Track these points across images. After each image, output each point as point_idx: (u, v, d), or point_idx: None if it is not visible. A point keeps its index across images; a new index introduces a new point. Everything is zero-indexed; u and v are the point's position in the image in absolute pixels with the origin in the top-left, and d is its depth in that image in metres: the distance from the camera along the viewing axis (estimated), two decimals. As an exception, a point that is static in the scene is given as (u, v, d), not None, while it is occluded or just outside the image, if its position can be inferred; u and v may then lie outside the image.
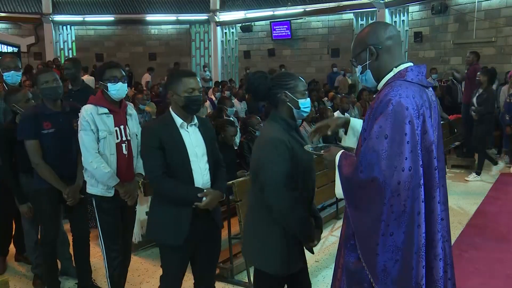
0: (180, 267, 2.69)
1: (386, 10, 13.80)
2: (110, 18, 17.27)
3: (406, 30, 13.50)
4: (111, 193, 3.02)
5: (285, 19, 16.03)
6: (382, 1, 13.73)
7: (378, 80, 1.96)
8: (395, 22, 13.82)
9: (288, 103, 2.30)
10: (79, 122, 2.98)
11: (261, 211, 2.29)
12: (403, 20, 13.64)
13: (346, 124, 2.28)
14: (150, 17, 17.44)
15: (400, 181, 1.68)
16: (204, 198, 2.53)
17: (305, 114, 2.35)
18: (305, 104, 2.31)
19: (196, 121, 2.68)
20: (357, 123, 2.28)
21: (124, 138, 3.06)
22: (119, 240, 3.13)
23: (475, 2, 11.47)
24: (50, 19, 16.59)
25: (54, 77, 3.22)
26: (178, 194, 2.55)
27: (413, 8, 13.38)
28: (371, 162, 1.71)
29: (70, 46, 17.42)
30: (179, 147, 2.56)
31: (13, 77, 3.89)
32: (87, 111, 2.96)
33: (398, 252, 1.73)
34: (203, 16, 17.56)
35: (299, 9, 15.66)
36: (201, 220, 2.62)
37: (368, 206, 1.75)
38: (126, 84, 3.05)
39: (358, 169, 1.75)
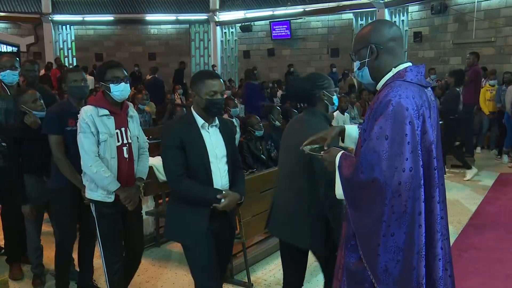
0: (208, 260, 2.62)
1: (386, 10, 13.81)
2: (109, 17, 17.27)
3: (406, 30, 13.50)
4: (111, 199, 2.93)
5: (284, 19, 16.04)
6: (382, 1, 13.73)
7: (374, 79, 1.96)
8: (395, 22, 13.83)
9: (326, 101, 2.59)
10: (78, 124, 2.90)
11: (299, 195, 2.50)
12: (402, 20, 13.64)
13: (341, 133, 2.28)
14: (149, 17, 17.44)
15: (401, 182, 1.68)
16: (222, 200, 2.53)
17: (335, 108, 2.69)
18: (336, 100, 2.64)
19: (217, 122, 2.67)
20: (352, 130, 2.28)
21: (125, 141, 2.98)
22: (120, 245, 3.07)
23: (474, 2, 11.48)
24: (50, 18, 16.58)
25: (82, 77, 3.24)
26: (197, 195, 2.55)
27: (413, 8, 13.39)
28: (372, 162, 1.71)
29: (69, 46, 17.41)
30: (200, 147, 2.55)
31: (8, 76, 3.84)
32: (87, 112, 2.88)
33: (399, 252, 1.73)
34: (202, 16, 17.56)
35: (298, 9, 15.66)
36: (218, 221, 2.62)
37: (368, 206, 1.75)
38: (129, 84, 3.00)
39: (358, 170, 1.76)
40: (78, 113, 3.06)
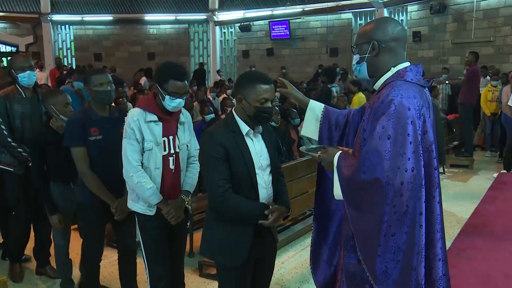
0: (244, 284, 2.39)
1: (385, 9, 13.82)
2: (108, 17, 17.26)
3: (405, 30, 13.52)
4: (152, 212, 2.69)
5: (283, 19, 16.04)
6: (381, 1, 13.74)
7: (371, 75, 1.96)
8: (398, 20, 13.82)
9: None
10: (124, 128, 2.65)
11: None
12: (401, 20, 13.65)
13: (303, 104, 2.39)
14: (148, 17, 17.43)
15: (403, 182, 1.68)
16: (270, 216, 2.28)
17: None
18: None
19: (260, 128, 2.38)
20: (316, 106, 2.34)
21: (172, 151, 2.71)
22: (165, 260, 2.80)
23: (473, 2, 11.49)
24: (49, 18, 16.58)
25: (108, 80, 2.97)
26: (244, 212, 2.26)
27: (412, 8, 13.40)
28: (374, 162, 1.70)
29: (68, 46, 17.41)
30: (245, 158, 2.27)
31: (29, 78, 3.52)
32: (134, 116, 2.61)
33: (399, 253, 1.73)
34: (201, 16, 17.56)
35: (297, 8, 15.67)
36: (262, 237, 2.38)
37: (370, 207, 1.75)
38: (184, 99, 2.70)
39: (360, 170, 1.75)
40: (101, 121, 2.93)
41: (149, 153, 2.64)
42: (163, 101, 2.61)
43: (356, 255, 1.83)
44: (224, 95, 9.49)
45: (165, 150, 2.68)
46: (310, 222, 4.98)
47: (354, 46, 2.00)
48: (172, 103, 2.61)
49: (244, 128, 2.30)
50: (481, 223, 5.14)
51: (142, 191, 2.63)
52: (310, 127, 2.38)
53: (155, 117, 2.65)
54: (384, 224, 1.71)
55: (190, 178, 2.86)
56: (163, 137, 2.66)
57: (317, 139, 2.37)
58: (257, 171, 2.30)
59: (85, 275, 3.24)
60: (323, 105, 2.36)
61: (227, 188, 2.22)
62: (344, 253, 1.91)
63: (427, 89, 1.92)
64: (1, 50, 16.43)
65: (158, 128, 2.66)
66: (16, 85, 3.57)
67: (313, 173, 4.68)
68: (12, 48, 16.68)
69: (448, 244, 4.45)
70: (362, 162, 1.74)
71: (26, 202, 3.61)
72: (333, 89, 8.81)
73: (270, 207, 2.29)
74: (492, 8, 11.22)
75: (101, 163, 2.90)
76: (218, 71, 16.59)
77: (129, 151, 2.61)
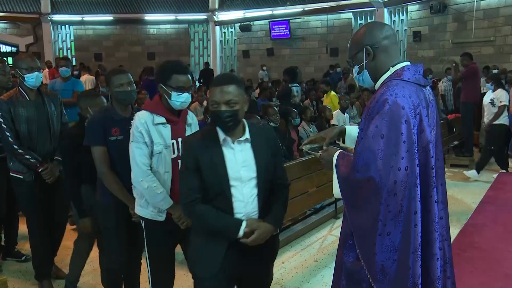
0: None
1: (385, 9, 13.82)
2: (108, 17, 17.28)
3: (405, 30, 13.51)
4: (162, 217, 2.60)
5: (284, 19, 16.05)
6: (381, 1, 13.74)
7: (375, 80, 1.96)
8: (394, 21, 13.83)
9: None
10: (131, 132, 2.56)
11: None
12: (402, 20, 13.65)
13: (342, 133, 2.23)
14: (148, 17, 17.45)
15: (396, 181, 1.68)
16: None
17: None
18: None
19: (247, 135, 2.17)
20: (352, 131, 2.24)
21: (181, 153, 2.52)
22: (170, 269, 2.74)
23: (474, 2, 11.49)
24: (49, 18, 16.59)
25: (129, 80, 2.88)
26: (214, 225, 2.14)
27: (412, 8, 13.40)
28: (367, 161, 1.71)
29: (68, 46, 17.43)
30: (218, 168, 2.11)
31: (37, 79, 3.36)
32: (141, 119, 2.53)
33: (395, 251, 1.73)
34: (202, 16, 17.57)
35: (298, 8, 15.68)
36: (247, 257, 2.19)
37: (365, 205, 1.75)
38: (191, 93, 2.62)
39: (354, 168, 1.76)
40: (122, 121, 2.84)
41: (158, 156, 2.55)
42: (170, 99, 2.53)
43: (355, 253, 1.84)
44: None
45: (174, 153, 2.59)
46: (310, 222, 5.00)
47: (350, 60, 2.00)
48: (179, 98, 2.53)
49: (221, 135, 2.14)
50: (481, 223, 5.14)
51: (152, 196, 2.53)
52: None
53: (163, 119, 2.56)
54: (379, 223, 1.71)
55: None
56: (172, 139, 2.58)
57: None
58: (232, 182, 2.11)
59: (106, 284, 3.12)
60: (357, 127, 2.24)
61: (193, 199, 2.12)
62: (342, 251, 1.92)
63: (428, 88, 1.92)
64: (1, 50, 16.43)
65: (167, 130, 2.57)
66: (19, 87, 3.39)
67: (313, 173, 4.69)
68: (12, 48, 16.70)
69: (448, 244, 4.46)
70: (356, 161, 1.76)
71: (38, 209, 3.46)
72: (294, 88, 8.97)
73: (244, 223, 2.11)
74: (492, 7, 11.22)
75: (121, 163, 2.78)
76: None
77: (137, 155, 2.52)
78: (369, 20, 14.07)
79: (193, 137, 2.26)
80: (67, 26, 17.30)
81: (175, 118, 2.61)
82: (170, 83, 2.52)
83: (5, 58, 13.88)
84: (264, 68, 15.50)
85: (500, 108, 6.90)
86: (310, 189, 4.68)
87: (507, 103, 6.91)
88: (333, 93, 8.43)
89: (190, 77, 2.60)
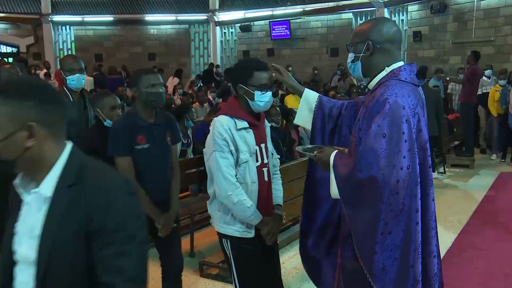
0: None
1: (385, 9, 13.81)
2: (109, 18, 17.26)
3: (405, 30, 13.50)
4: (251, 233, 2.37)
5: (284, 19, 16.03)
6: (381, 1, 13.73)
7: (365, 75, 1.97)
8: (394, 21, 13.80)
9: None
10: (212, 140, 2.30)
11: None
12: (402, 20, 13.64)
13: (298, 93, 2.35)
14: (149, 17, 17.44)
15: (398, 180, 1.69)
16: None
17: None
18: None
19: (46, 187, 1.24)
20: (310, 95, 2.33)
21: (265, 160, 2.42)
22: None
23: (474, 2, 11.48)
24: (49, 19, 16.58)
25: (160, 80, 2.66)
26: None
27: (412, 8, 13.39)
28: (370, 161, 1.71)
29: (69, 47, 17.41)
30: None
31: (79, 80, 3.24)
32: (224, 125, 2.28)
33: (396, 250, 1.74)
34: (202, 16, 17.56)
35: (298, 8, 15.67)
36: None
37: (366, 205, 1.75)
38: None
39: (356, 168, 1.75)
40: (148, 127, 2.61)
41: (245, 165, 2.32)
42: (253, 100, 2.30)
43: (354, 253, 1.84)
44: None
45: (257, 161, 2.38)
46: (311, 222, 4.99)
47: (350, 44, 2.00)
48: (263, 98, 2.31)
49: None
50: (482, 223, 5.14)
51: (242, 211, 2.29)
52: (303, 117, 2.36)
53: (245, 124, 2.33)
54: (380, 222, 1.71)
55: (278, 190, 2.57)
56: (255, 145, 2.37)
57: (309, 128, 2.36)
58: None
59: None
60: (317, 95, 2.35)
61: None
62: (341, 251, 1.92)
63: (420, 88, 1.93)
64: (2, 51, 16.44)
65: (250, 136, 2.34)
66: (64, 87, 3.27)
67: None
68: (13, 49, 16.70)
69: (448, 244, 4.47)
70: (358, 161, 1.75)
71: None
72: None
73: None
74: (493, 7, 11.21)
75: (147, 175, 2.60)
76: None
77: (224, 167, 2.25)
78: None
79: None
80: (67, 26, 17.28)
81: (257, 121, 2.38)
82: (253, 81, 2.29)
83: (6, 59, 13.92)
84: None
85: None
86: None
87: None
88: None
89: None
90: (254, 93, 2.29)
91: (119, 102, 3.01)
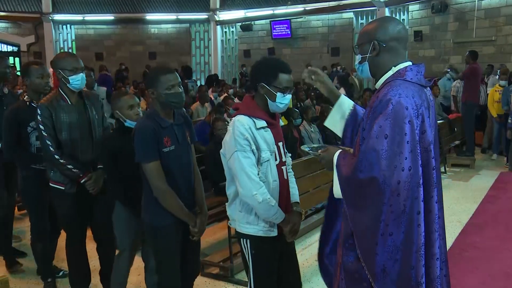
0: None
1: (386, 9, 13.81)
2: (110, 17, 17.28)
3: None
4: (275, 232, 2.39)
5: (285, 18, 16.04)
6: (382, 0, 13.73)
7: (373, 75, 1.97)
8: (399, 20, 13.80)
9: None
10: (233, 140, 2.28)
11: None
12: (403, 19, 13.63)
13: (334, 97, 2.32)
14: (150, 16, 17.45)
15: (400, 181, 1.68)
16: None
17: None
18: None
19: None
20: (345, 102, 2.30)
21: (283, 158, 2.46)
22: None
23: (475, 1, 11.48)
24: (50, 18, 16.59)
25: (178, 80, 2.57)
26: None
27: (413, 7, 13.39)
28: (371, 161, 1.71)
29: (70, 45, 17.43)
30: None
31: (82, 81, 3.03)
32: (244, 125, 2.28)
33: (397, 252, 1.73)
34: (203, 15, 17.56)
35: (299, 8, 15.68)
36: None
37: (367, 206, 1.75)
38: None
39: (357, 168, 1.75)
40: (170, 128, 2.56)
41: (267, 164, 2.34)
42: (274, 101, 2.32)
43: (355, 253, 1.84)
44: (226, 95, 9.51)
45: (276, 159, 2.41)
46: (312, 221, 4.99)
47: (356, 46, 2.01)
48: (284, 100, 2.33)
49: None
50: (483, 222, 5.14)
51: (267, 210, 2.29)
52: (334, 122, 2.32)
53: (264, 123, 2.35)
54: (381, 223, 1.71)
55: (294, 188, 2.59)
56: (274, 144, 2.40)
57: (341, 136, 2.31)
58: None
59: None
60: (352, 103, 2.31)
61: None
62: (343, 251, 1.92)
63: (428, 89, 1.92)
64: (3, 50, 16.45)
65: (269, 135, 2.36)
66: (60, 90, 3.05)
67: (314, 173, 4.68)
68: (14, 47, 16.71)
69: (449, 244, 4.46)
70: (359, 161, 1.75)
71: (80, 223, 3.18)
72: (189, 84, 9.96)
73: None
74: (494, 7, 11.21)
75: (174, 177, 2.54)
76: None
77: (247, 166, 2.25)
78: (370, 20, 14.08)
79: None
80: (68, 25, 17.29)
81: (274, 120, 2.41)
82: (276, 83, 2.31)
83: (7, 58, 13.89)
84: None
85: None
86: (312, 189, 4.68)
87: None
88: None
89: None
90: (276, 94, 2.31)
91: (137, 101, 2.90)
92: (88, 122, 3.10)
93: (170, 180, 2.53)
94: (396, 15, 13.81)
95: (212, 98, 9.82)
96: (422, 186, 1.74)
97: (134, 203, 2.75)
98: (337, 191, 1.87)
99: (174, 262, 2.65)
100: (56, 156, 2.95)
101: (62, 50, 17.12)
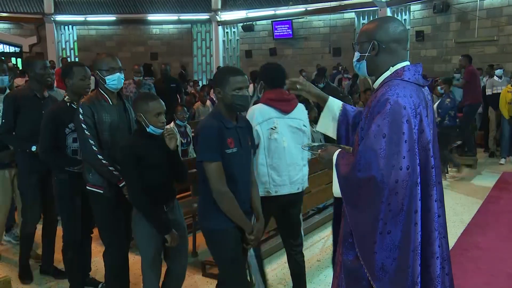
0: None
1: (388, 9, 13.80)
2: (111, 18, 17.30)
3: (408, 29, 13.49)
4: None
5: (286, 19, 16.04)
6: (384, 0, 13.72)
7: (370, 74, 1.97)
8: (401, 21, 13.79)
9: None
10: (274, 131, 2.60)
11: None
12: (404, 19, 13.62)
13: (322, 101, 2.35)
14: (151, 17, 17.47)
15: (398, 180, 1.69)
16: None
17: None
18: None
19: None
20: (334, 103, 2.33)
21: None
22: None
23: (477, 1, 11.46)
24: (52, 19, 16.63)
25: (247, 84, 2.51)
26: None
27: (415, 7, 13.38)
28: (369, 161, 1.72)
29: (72, 46, 17.46)
30: None
31: (119, 81, 2.97)
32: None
33: (395, 250, 1.74)
34: (204, 16, 17.58)
35: (300, 8, 15.67)
36: None
37: (365, 204, 1.76)
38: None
39: (356, 168, 1.76)
40: (233, 129, 2.50)
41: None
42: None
43: (354, 252, 1.85)
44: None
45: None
46: (313, 222, 5.00)
47: (356, 43, 2.01)
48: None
49: None
50: (485, 222, 5.13)
51: None
52: (327, 126, 2.35)
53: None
54: (379, 222, 1.72)
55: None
56: None
57: (335, 137, 2.33)
58: None
59: None
60: (341, 103, 2.35)
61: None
62: (342, 250, 1.93)
63: (426, 88, 1.92)
64: (5, 51, 16.48)
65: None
66: (100, 90, 2.99)
67: (315, 173, 4.68)
68: (16, 48, 16.75)
69: (452, 244, 4.45)
70: (357, 161, 1.76)
71: (119, 228, 3.02)
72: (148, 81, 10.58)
73: None
74: (496, 7, 11.20)
75: (234, 181, 2.46)
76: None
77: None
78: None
79: None
80: (70, 26, 17.33)
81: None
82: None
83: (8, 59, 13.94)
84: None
85: None
86: (313, 189, 4.68)
87: None
88: None
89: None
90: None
91: (164, 108, 2.75)
92: (129, 123, 3.05)
93: (230, 183, 2.44)
94: (397, 15, 13.80)
95: (214, 98, 9.84)
96: (420, 185, 1.74)
97: (158, 219, 2.68)
98: (337, 190, 1.88)
99: (239, 271, 2.61)
100: (100, 156, 2.85)
101: (63, 51, 17.18)
